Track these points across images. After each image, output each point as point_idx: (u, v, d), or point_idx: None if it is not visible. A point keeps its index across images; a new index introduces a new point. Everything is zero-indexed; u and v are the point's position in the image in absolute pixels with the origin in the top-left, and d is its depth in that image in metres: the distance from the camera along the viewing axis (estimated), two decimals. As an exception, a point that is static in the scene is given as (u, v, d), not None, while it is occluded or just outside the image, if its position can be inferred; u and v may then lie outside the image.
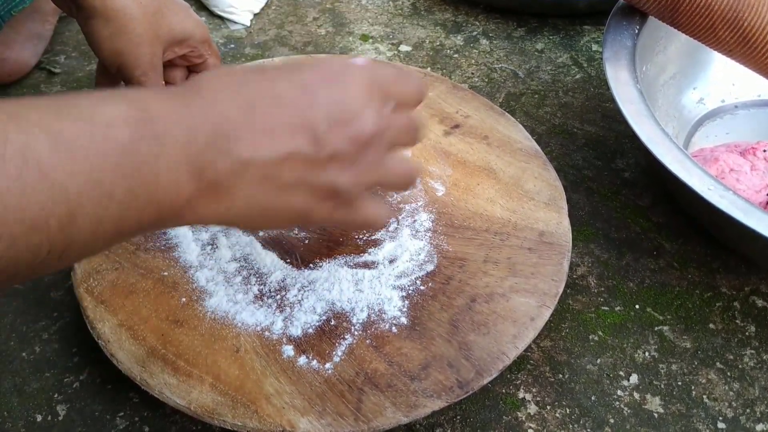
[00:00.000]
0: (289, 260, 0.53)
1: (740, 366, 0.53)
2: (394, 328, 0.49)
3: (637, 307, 0.56)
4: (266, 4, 0.85)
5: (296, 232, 0.54)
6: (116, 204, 0.31)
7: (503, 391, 0.51)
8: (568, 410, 0.50)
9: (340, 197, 0.38)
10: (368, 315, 0.49)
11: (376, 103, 0.38)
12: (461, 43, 0.80)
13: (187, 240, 0.54)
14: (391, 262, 0.53)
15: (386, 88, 0.39)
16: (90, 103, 0.32)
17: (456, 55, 0.78)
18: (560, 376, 0.52)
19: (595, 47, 0.80)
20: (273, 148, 0.35)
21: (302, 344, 0.48)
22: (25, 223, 0.28)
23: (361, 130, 0.37)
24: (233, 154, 0.34)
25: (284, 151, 0.35)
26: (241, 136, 0.35)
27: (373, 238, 0.54)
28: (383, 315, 0.49)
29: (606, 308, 0.56)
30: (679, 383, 0.52)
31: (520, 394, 0.51)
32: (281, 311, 0.50)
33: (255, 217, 0.37)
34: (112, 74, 0.59)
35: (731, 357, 0.53)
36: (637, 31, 0.61)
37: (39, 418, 0.49)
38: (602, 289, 0.57)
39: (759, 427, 0.50)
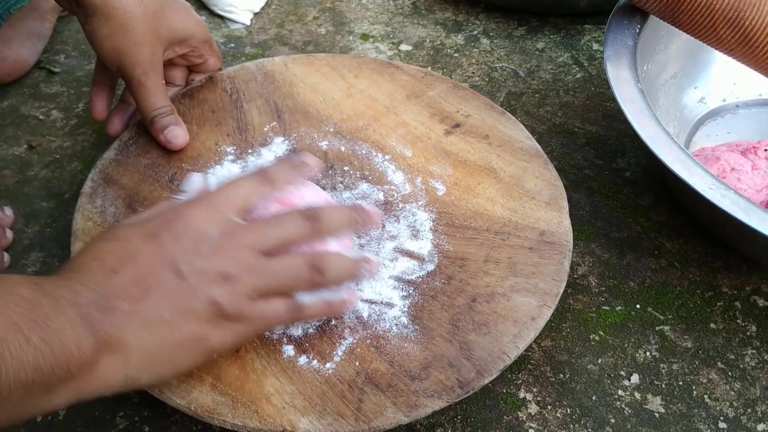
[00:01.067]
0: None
1: (741, 366, 0.53)
2: (394, 327, 0.49)
3: (638, 306, 0.56)
4: (266, 3, 0.85)
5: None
6: (33, 349, 0.34)
7: (504, 390, 0.51)
8: (569, 410, 0.50)
9: (227, 312, 0.41)
10: (369, 315, 0.49)
11: (215, 217, 0.43)
12: (462, 43, 0.80)
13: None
14: (391, 261, 0.52)
15: (223, 203, 0.44)
16: None
17: (456, 55, 0.78)
18: (561, 375, 0.52)
19: (596, 46, 0.80)
20: (144, 294, 0.39)
21: (303, 344, 0.48)
22: None
23: (210, 242, 0.42)
24: (114, 310, 0.38)
25: (155, 292, 0.40)
26: (119, 293, 0.39)
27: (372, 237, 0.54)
28: (384, 315, 0.49)
29: (607, 308, 0.56)
30: (680, 383, 0.52)
31: (521, 394, 0.51)
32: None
33: (158, 363, 0.40)
34: (111, 73, 0.59)
35: (732, 357, 0.53)
36: (638, 30, 0.61)
37: (39, 418, 0.49)
38: (603, 288, 0.57)
39: (760, 426, 0.50)
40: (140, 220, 0.44)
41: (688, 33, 0.59)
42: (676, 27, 0.59)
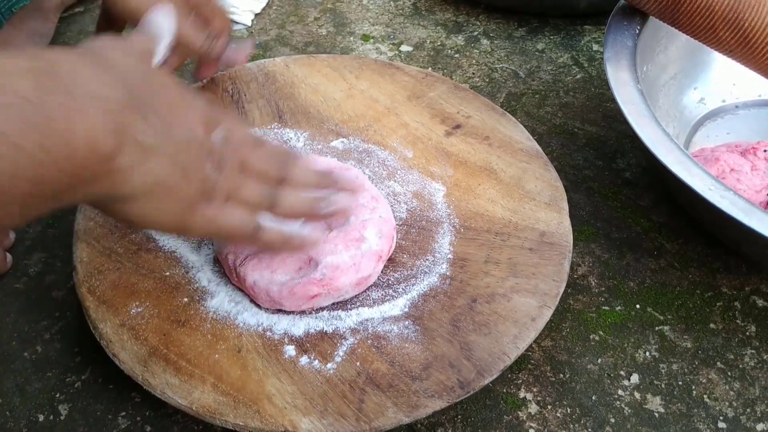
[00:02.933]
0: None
1: (741, 366, 0.53)
2: (395, 328, 0.49)
3: (637, 306, 0.56)
4: (267, 4, 0.85)
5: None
6: (27, 159, 0.30)
7: (504, 390, 0.51)
8: (569, 410, 0.50)
9: (214, 192, 0.41)
10: (369, 315, 0.49)
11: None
12: (462, 43, 0.80)
13: (189, 241, 0.54)
14: (392, 261, 0.53)
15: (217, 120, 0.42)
16: None
17: (457, 55, 0.78)
18: (561, 375, 0.52)
19: (595, 47, 0.80)
20: (183, 127, 0.38)
21: (304, 344, 0.48)
22: None
23: (221, 140, 0.41)
24: (153, 118, 0.36)
25: (188, 133, 0.39)
26: (156, 108, 0.36)
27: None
28: (384, 315, 0.49)
29: (607, 308, 0.56)
30: (680, 383, 0.52)
31: (521, 394, 0.51)
32: (283, 311, 0.50)
33: (153, 193, 0.37)
34: (116, 17, 0.56)
35: (732, 357, 0.54)
36: (638, 31, 0.61)
37: (41, 417, 0.49)
38: (603, 288, 0.57)
39: (759, 426, 0.50)
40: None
41: (687, 34, 0.59)
42: (676, 28, 0.59)
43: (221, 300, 0.50)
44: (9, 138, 0.29)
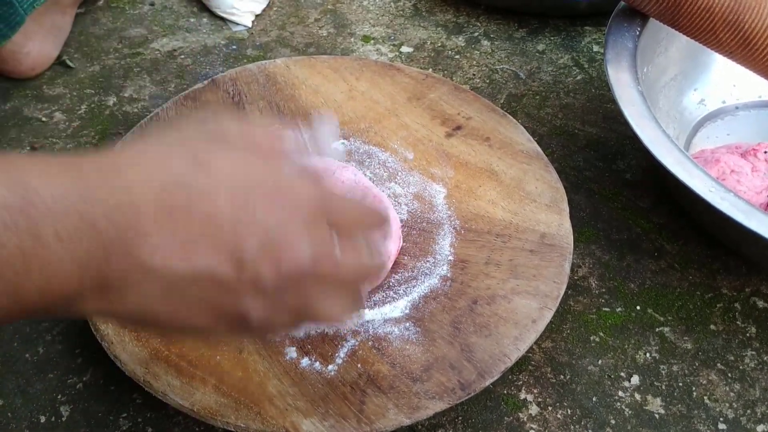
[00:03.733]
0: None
1: (741, 367, 0.53)
2: (396, 330, 0.49)
3: (638, 308, 0.56)
4: (268, 5, 0.85)
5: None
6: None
7: (505, 392, 0.51)
8: (569, 411, 0.50)
9: (248, 327, 0.33)
10: (370, 317, 0.50)
11: (319, 234, 0.33)
12: (462, 44, 0.80)
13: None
14: (393, 263, 0.53)
15: (335, 218, 0.34)
16: None
17: (457, 56, 0.78)
18: (561, 377, 0.52)
19: (596, 48, 0.80)
20: (188, 264, 0.29)
21: (305, 346, 0.48)
22: None
23: (293, 265, 0.31)
24: (134, 256, 0.28)
25: (201, 270, 0.30)
26: (149, 238, 0.29)
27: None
28: (385, 317, 0.50)
29: (607, 309, 0.56)
30: (680, 384, 0.52)
31: (522, 395, 0.51)
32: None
33: (146, 323, 0.32)
34: None
35: (732, 358, 0.54)
36: (638, 32, 0.61)
37: (42, 419, 0.49)
38: (603, 290, 0.58)
39: (760, 427, 0.50)
40: (239, 152, 0.33)
41: (687, 35, 0.59)
42: (676, 29, 0.59)
43: (222, 301, 0.50)
44: None
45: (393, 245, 0.51)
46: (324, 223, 0.33)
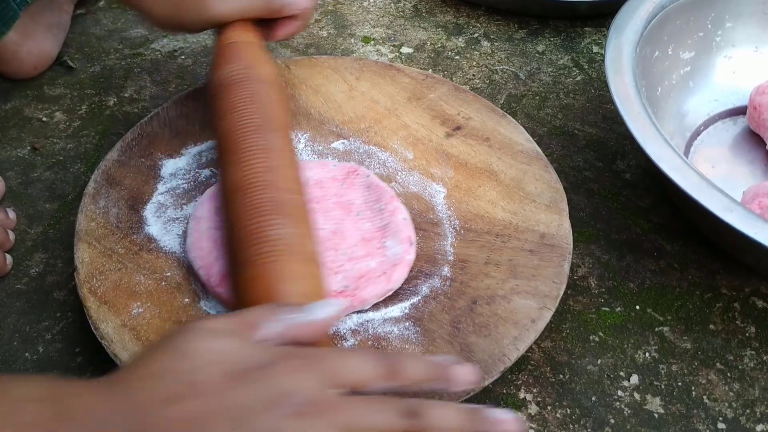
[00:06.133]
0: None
1: (740, 367, 0.53)
2: (395, 329, 0.49)
3: (637, 307, 0.56)
4: (268, 5, 0.85)
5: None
6: None
7: (504, 391, 0.51)
8: (568, 410, 0.51)
9: None
10: (370, 316, 0.50)
11: (313, 382, 0.35)
12: (462, 45, 0.80)
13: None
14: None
15: (328, 372, 0.36)
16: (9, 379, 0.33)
17: (457, 57, 0.79)
18: (561, 376, 0.52)
19: (596, 49, 0.80)
20: None
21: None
22: None
23: (298, 407, 0.34)
24: None
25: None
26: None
27: (374, 239, 0.54)
28: (385, 316, 0.50)
29: (606, 309, 0.56)
30: (680, 384, 0.52)
31: (521, 395, 0.51)
32: (283, 312, 0.50)
33: None
34: None
35: (731, 358, 0.54)
36: (639, 34, 0.62)
37: (43, 418, 0.49)
38: (603, 290, 0.58)
39: (759, 427, 0.50)
40: (222, 338, 0.36)
41: None
42: None
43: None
44: None
45: (413, 249, 0.52)
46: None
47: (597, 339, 0.55)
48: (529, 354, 0.53)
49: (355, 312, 0.50)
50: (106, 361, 0.48)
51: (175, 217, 0.56)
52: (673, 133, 0.67)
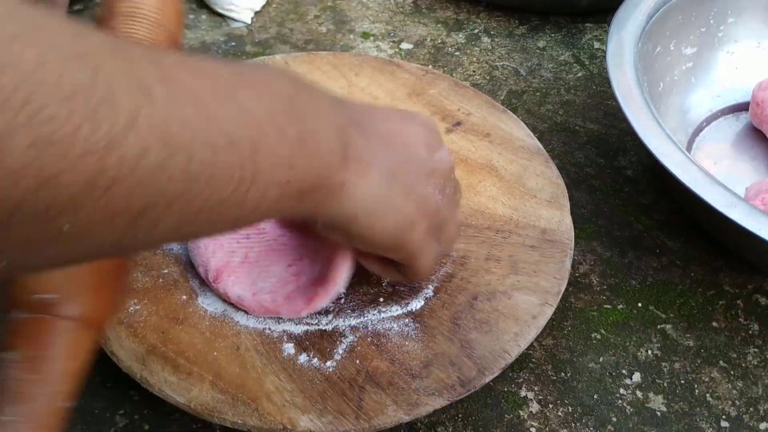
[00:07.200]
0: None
1: (743, 364, 0.53)
2: (395, 326, 0.48)
3: (639, 305, 0.56)
4: (267, 1, 0.84)
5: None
6: (288, 145, 0.31)
7: (505, 389, 0.51)
8: (570, 409, 0.50)
9: (435, 216, 0.42)
10: (370, 313, 0.49)
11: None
12: (463, 41, 0.79)
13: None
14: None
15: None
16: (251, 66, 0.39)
17: (457, 53, 0.78)
18: (562, 374, 0.52)
19: (597, 45, 0.80)
20: (395, 149, 0.40)
21: (303, 342, 0.48)
22: (222, 138, 0.27)
23: (446, 162, 0.44)
24: (369, 137, 0.38)
25: (405, 155, 0.41)
26: (373, 126, 0.39)
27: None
28: (384, 313, 0.49)
29: (608, 306, 0.56)
30: (682, 381, 0.52)
31: (522, 393, 0.51)
32: (282, 309, 0.49)
33: (375, 214, 0.38)
34: None
35: (734, 355, 0.53)
36: (641, 29, 0.61)
37: (38, 416, 0.49)
38: (605, 287, 0.57)
39: (762, 425, 0.49)
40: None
41: None
42: None
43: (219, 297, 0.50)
44: (277, 121, 0.31)
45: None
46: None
47: (599, 336, 0.54)
48: (531, 352, 0.53)
49: (353, 307, 0.49)
50: (102, 358, 0.47)
51: (173, 213, 0.55)
52: (675, 129, 0.66)
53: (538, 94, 0.73)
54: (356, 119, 0.38)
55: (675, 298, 0.57)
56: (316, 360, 0.46)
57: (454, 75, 0.75)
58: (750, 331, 0.55)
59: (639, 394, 0.51)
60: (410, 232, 0.40)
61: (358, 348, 0.47)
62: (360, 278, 0.51)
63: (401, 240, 0.40)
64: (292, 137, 0.31)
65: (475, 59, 0.77)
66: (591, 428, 0.49)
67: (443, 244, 0.45)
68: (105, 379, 0.51)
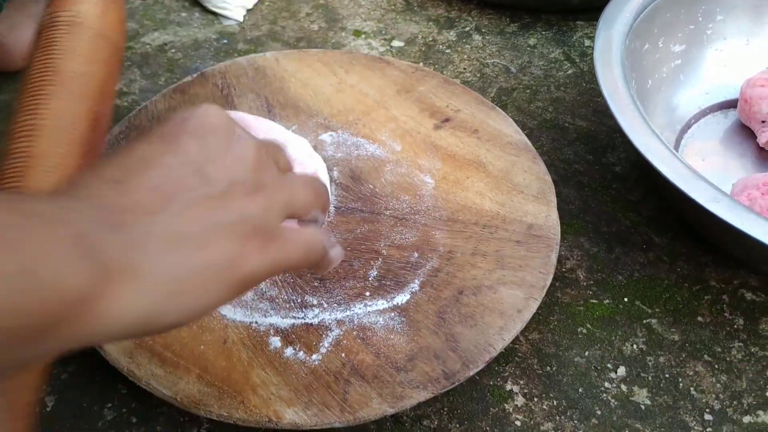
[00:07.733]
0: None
1: (728, 358, 0.53)
2: (381, 319, 0.49)
3: (625, 300, 0.56)
4: (260, -1, 0.85)
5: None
6: (8, 282, 0.25)
7: (491, 383, 0.51)
8: (555, 402, 0.50)
9: (260, 231, 0.33)
10: (356, 307, 0.49)
11: (243, 139, 0.35)
12: (454, 39, 0.80)
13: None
14: (379, 254, 0.53)
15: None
16: None
17: (448, 51, 0.78)
18: (548, 368, 0.52)
19: (587, 43, 0.80)
20: (163, 205, 0.31)
21: (289, 336, 0.48)
22: None
23: (243, 153, 0.34)
24: (122, 227, 0.29)
25: (178, 201, 0.31)
26: (128, 205, 0.30)
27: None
28: (370, 307, 0.49)
29: (595, 301, 0.56)
30: (667, 375, 0.52)
31: (508, 386, 0.51)
32: (269, 302, 0.50)
33: (183, 293, 0.30)
34: None
35: (719, 349, 0.53)
36: (629, 27, 0.61)
37: (27, 409, 0.49)
38: (591, 282, 0.57)
39: (746, 419, 0.50)
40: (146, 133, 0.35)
41: None
42: None
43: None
44: None
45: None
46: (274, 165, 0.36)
47: (585, 331, 0.54)
48: (517, 346, 0.53)
49: (339, 300, 0.50)
50: (90, 352, 0.48)
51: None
52: (664, 126, 0.67)
53: (528, 91, 0.74)
54: (106, 210, 0.30)
55: (661, 293, 0.57)
56: (302, 353, 0.47)
57: (444, 72, 0.75)
58: (735, 326, 0.55)
59: (624, 387, 0.51)
60: (241, 267, 0.32)
61: (344, 341, 0.47)
62: (346, 273, 0.51)
63: (238, 279, 0.32)
64: (13, 273, 0.25)
65: (465, 57, 0.78)
66: (575, 421, 0.49)
67: (312, 213, 0.37)
68: (93, 373, 0.51)
